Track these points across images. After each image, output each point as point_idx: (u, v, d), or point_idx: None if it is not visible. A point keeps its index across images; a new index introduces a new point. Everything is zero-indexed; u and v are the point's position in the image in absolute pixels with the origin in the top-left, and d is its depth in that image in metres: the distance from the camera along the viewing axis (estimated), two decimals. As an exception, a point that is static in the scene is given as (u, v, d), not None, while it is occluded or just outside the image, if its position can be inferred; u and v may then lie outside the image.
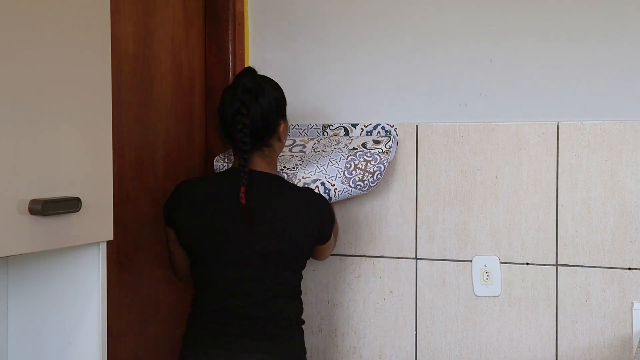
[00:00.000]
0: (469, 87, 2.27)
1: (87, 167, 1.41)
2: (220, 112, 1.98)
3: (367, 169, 2.15)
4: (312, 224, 1.99)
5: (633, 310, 2.11)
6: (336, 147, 2.24)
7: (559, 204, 2.18)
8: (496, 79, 2.24)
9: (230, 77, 2.37)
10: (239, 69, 2.39)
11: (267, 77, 2.06)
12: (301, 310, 2.05)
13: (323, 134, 2.38)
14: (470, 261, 2.26)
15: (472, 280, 2.26)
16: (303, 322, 2.05)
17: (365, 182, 2.15)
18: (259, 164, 1.99)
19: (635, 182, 2.11)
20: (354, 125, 2.36)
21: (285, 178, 2.14)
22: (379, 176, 2.16)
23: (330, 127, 2.38)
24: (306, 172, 2.15)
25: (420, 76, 2.32)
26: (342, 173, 2.15)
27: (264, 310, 1.94)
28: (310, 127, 2.40)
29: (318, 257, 2.16)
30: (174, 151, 2.23)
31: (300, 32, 2.44)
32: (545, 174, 2.19)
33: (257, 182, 1.95)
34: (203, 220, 1.94)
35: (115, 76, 1.78)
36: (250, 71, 2.00)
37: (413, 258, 2.32)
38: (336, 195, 2.14)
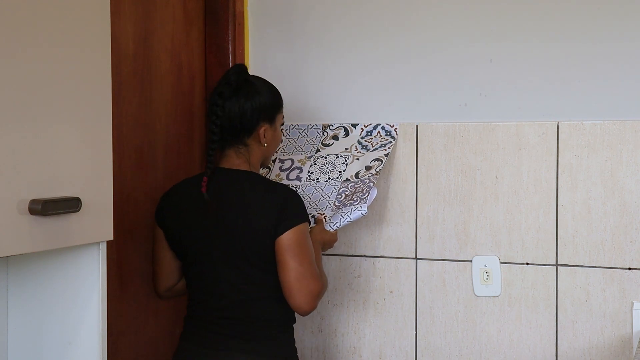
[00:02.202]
0: (469, 87, 2.27)
1: (87, 167, 1.41)
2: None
3: (357, 191, 2.18)
4: (269, 214, 1.88)
5: (633, 310, 2.11)
6: (330, 176, 2.26)
7: (559, 204, 2.17)
8: (496, 79, 2.24)
9: (230, 77, 2.37)
10: (239, 69, 2.39)
11: (262, 79, 2.05)
12: (284, 311, 1.96)
13: (323, 134, 2.38)
14: (470, 261, 2.26)
15: (472, 280, 2.26)
16: (289, 322, 2.00)
17: (356, 198, 2.16)
18: (232, 161, 1.98)
19: (635, 182, 2.11)
20: (354, 125, 2.36)
21: None
22: (368, 191, 2.15)
23: (330, 127, 2.38)
24: None
25: (420, 76, 2.31)
26: (332, 204, 2.19)
27: (241, 312, 1.93)
28: (310, 127, 2.40)
29: (280, 272, 1.89)
30: (174, 151, 2.23)
31: (300, 32, 2.44)
32: (545, 174, 2.19)
33: (224, 177, 1.94)
34: (183, 220, 1.96)
35: (115, 76, 1.78)
36: (238, 67, 2.01)
37: (413, 258, 2.32)
38: (327, 222, 2.14)
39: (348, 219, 2.12)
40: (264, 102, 1.98)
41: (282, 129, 2.33)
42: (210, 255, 1.93)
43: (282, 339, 1.98)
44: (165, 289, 2.06)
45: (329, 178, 2.26)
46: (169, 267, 2.03)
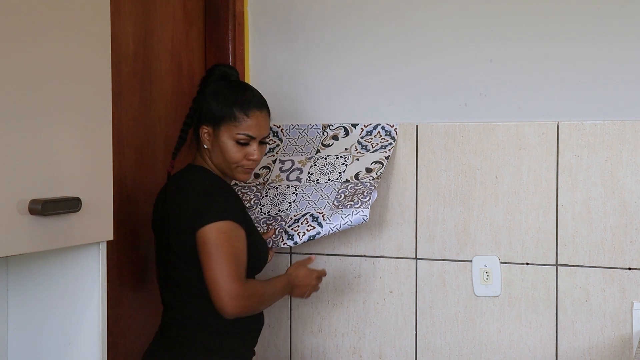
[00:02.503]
0: (469, 87, 2.27)
1: (87, 167, 1.41)
2: None
3: (357, 192, 2.17)
4: (187, 212, 1.87)
5: (633, 310, 2.11)
6: (330, 177, 2.26)
7: (559, 204, 2.17)
8: (496, 79, 2.24)
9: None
10: (238, 69, 2.39)
11: (248, 88, 2.03)
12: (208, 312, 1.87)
13: (323, 134, 2.38)
14: (470, 261, 2.26)
15: (472, 280, 2.26)
16: (214, 324, 1.92)
17: (356, 200, 2.15)
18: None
19: (635, 182, 2.11)
20: (354, 125, 2.36)
21: (279, 220, 2.19)
22: (369, 194, 2.15)
23: (330, 127, 2.38)
24: (297, 209, 2.20)
25: (420, 76, 2.31)
26: (331, 203, 2.18)
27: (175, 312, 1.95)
28: (310, 127, 2.40)
29: (206, 274, 1.83)
30: (174, 151, 2.23)
31: (300, 32, 2.44)
32: (545, 174, 2.19)
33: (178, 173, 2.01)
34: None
35: (115, 76, 1.78)
36: (230, 68, 2.06)
37: (413, 258, 2.32)
38: (326, 220, 2.13)
39: (349, 223, 2.12)
40: (214, 105, 1.96)
41: (246, 146, 2.00)
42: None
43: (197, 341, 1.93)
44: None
45: (329, 179, 2.26)
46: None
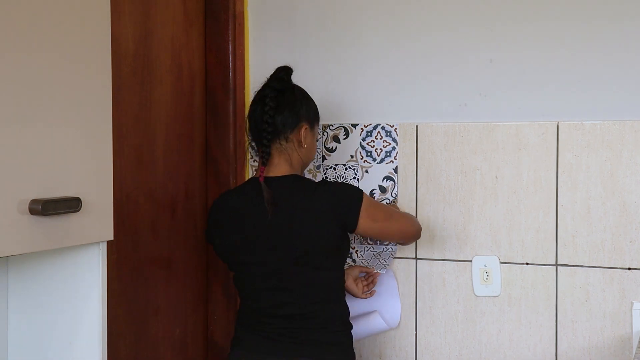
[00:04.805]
0: (469, 87, 2.27)
1: (87, 167, 1.41)
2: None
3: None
4: (328, 215, 1.95)
5: (633, 310, 2.11)
6: None
7: (558, 204, 2.18)
8: (496, 79, 2.24)
9: (230, 77, 2.38)
10: (239, 69, 2.39)
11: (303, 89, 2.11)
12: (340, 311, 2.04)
13: (323, 134, 2.38)
14: (470, 261, 2.26)
15: (472, 280, 2.26)
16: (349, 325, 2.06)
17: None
18: (274, 161, 2.05)
19: (635, 182, 2.11)
20: (354, 125, 2.36)
21: None
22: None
23: (331, 127, 2.38)
24: None
25: (420, 76, 2.32)
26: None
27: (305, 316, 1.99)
28: (310, 127, 2.40)
29: (390, 238, 2.15)
30: (174, 151, 2.23)
31: (300, 32, 2.44)
32: (545, 174, 2.19)
33: (272, 182, 2.00)
34: (235, 231, 2.03)
35: (115, 76, 1.78)
36: (284, 70, 2.07)
37: (413, 258, 2.32)
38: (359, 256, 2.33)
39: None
40: (310, 105, 2.06)
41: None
42: (270, 260, 1.97)
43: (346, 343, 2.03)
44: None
45: None
46: None
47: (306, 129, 2.02)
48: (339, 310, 2.02)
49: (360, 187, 2.25)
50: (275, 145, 2.01)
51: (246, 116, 2.13)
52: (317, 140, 2.21)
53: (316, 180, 2.18)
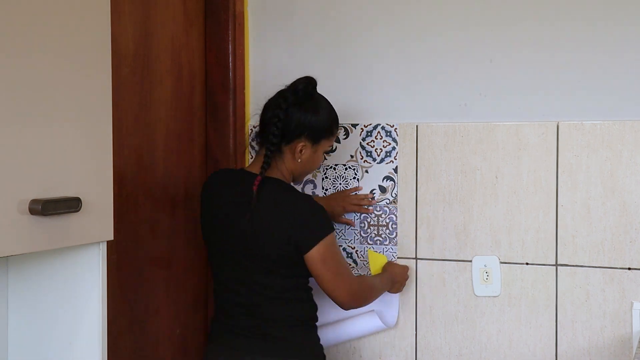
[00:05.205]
0: (469, 87, 2.27)
1: (87, 167, 1.41)
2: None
3: (380, 223, 2.32)
4: (292, 227, 1.93)
5: (633, 310, 2.11)
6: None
7: (558, 204, 2.18)
8: (496, 79, 2.24)
9: (230, 77, 2.38)
10: (239, 69, 2.39)
11: (326, 100, 2.09)
12: (300, 311, 2.03)
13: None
14: (470, 261, 2.26)
15: (472, 280, 2.26)
16: (304, 322, 2.05)
17: (383, 236, 2.31)
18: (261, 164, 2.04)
19: (635, 182, 2.11)
20: (354, 125, 2.36)
21: None
22: (393, 226, 2.31)
23: (330, 127, 2.38)
24: None
25: (420, 76, 2.32)
26: (358, 233, 2.35)
27: (260, 313, 1.99)
28: (310, 127, 2.40)
29: (317, 280, 1.99)
30: (174, 151, 2.23)
31: (300, 32, 2.44)
32: (545, 174, 2.19)
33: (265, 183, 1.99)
34: (220, 204, 2.06)
35: (115, 76, 1.77)
36: (308, 80, 2.05)
37: (413, 258, 2.32)
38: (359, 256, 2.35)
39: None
40: (316, 120, 2.01)
41: (325, 157, 2.37)
42: (237, 255, 1.99)
43: (294, 338, 2.02)
44: None
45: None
46: None
47: (304, 145, 2.00)
48: (297, 310, 2.02)
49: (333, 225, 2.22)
50: (274, 149, 2.01)
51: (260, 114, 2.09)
52: (333, 148, 2.29)
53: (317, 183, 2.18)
